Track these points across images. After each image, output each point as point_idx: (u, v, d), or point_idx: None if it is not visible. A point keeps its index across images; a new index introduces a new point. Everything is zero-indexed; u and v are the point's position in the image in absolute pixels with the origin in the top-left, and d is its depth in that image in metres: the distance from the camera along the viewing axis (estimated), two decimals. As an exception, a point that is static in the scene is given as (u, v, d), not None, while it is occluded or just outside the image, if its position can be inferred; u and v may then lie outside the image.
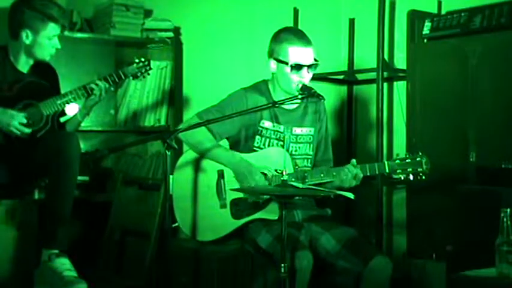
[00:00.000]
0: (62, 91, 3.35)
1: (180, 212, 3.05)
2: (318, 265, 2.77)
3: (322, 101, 3.09)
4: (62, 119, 3.38)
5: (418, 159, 2.84)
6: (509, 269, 2.33)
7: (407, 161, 2.85)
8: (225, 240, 3.00)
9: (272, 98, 3.01)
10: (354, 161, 2.90)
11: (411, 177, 2.84)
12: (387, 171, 2.88)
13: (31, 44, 3.21)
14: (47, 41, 3.21)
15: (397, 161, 2.87)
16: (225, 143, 3.11)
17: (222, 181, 3.00)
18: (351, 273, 2.82)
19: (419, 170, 2.83)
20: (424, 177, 2.84)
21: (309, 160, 3.10)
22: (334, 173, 2.91)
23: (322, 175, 2.91)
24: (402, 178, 2.86)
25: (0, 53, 3.26)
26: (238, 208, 2.96)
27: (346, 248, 2.82)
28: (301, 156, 3.08)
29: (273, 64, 3.02)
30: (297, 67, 2.95)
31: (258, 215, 2.94)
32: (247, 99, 3.00)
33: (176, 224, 3.06)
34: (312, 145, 3.11)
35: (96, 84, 3.23)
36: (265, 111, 3.01)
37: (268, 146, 3.03)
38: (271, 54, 3.02)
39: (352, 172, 2.86)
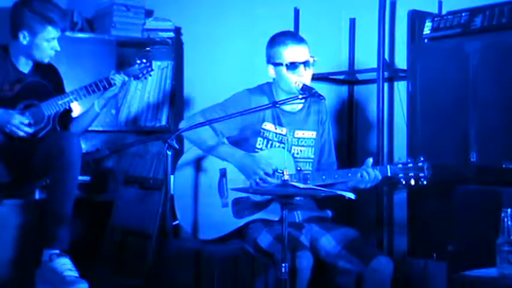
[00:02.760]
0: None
1: (181, 211, 3.06)
2: (318, 265, 2.77)
3: (324, 102, 3.11)
4: (75, 115, 3.39)
5: (420, 164, 2.84)
6: (510, 269, 2.33)
7: (409, 165, 2.86)
8: (226, 240, 3.01)
9: (275, 100, 3.01)
10: (370, 160, 2.88)
11: (412, 182, 2.84)
12: (389, 175, 2.88)
13: (28, 45, 3.20)
14: (45, 43, 3.21)
15: (399, 165, 2.87)
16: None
17: (224, 180, 3.00)
18: (351, 274, 2.82)
19: (421, 175, 2.83)
20: (425, 182, 2.84)
21: (311, 164, 3.10)
22: (336, 175, 2.91)
23: (323, 177, 2.92)
24: (404, 182, 2.86)
25: (2, 52, 3.26)
26: (239, 208, 2.97)
27: (346, 249, 2.82)
28: (303, 160, 3.07)
29: (271, 70, 3.04)
30: (292, 65, 2.96)
31: (259, 215, 2.94)
32: (250, 100, 3.01)
33: (177, 222, 3.07)
34: (313, 149, 3.11)
35: (114, 79, 3.26)
36: (267, 113, 3.02)
37: (270, 148, 3.03)
38: (268, 60, 3.05)
39: (370, 174, 2.85)
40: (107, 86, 3.29)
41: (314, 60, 3.00)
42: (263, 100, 3.01)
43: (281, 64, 2.98)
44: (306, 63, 2.97)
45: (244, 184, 2.98)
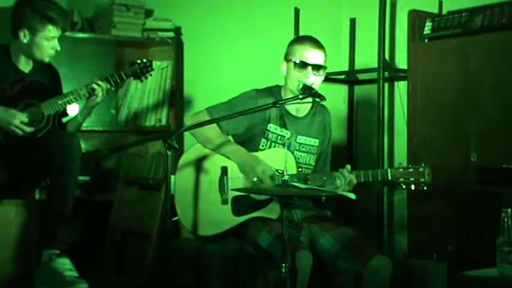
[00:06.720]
0: (64, 91, 3.36)
1: (181, 207, 3.06)
2: (318, 265, 2.77)
3: (329, 112, 3.17)
4: (64, 120, 3.38)
5: (421, 169, 2.85)
6: (510, 269, 2.33)
7: (410, 170, 2.86)
8: (225, 237, 3.01)
9: None
10: (348, 166, 2.90)
11: (412, 186, 2.85)
12: (389, 178, 2.88)
13: (28, 43, 3.20)
14: (45, 42, 3.20)
15: (400, 170, 2.87)
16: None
17: (225, 177, 3.01)
18: (350, 274, 2.81)
19: (421, 180, 2.84)
20: (425, 188, 2.84)
21: (311, 171, 3.10)
22: (325, 178, 2.92)
23: (324, 178, 2.92)
24: (404, 187, 2.86)
25: (3, 52, 3.26)
26: (239, 205, 2.97)
27: (345, 249, 2.83)
28: (304, 165, 3.08)
29: (284, 66, 3.06)
30: (301, 64, 2.98)
31: (258, 214, 2.95)
32: (257, 102, 3.00)
33: (176, 218, 3.07)
34: (315, 156, 3.12)
35: (98, 85, 3.23)
36: (273, 115, 3.04)
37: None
38: (284, 57, 3.08)
39: (346, 178, 2.86)
40: (118, 81, 3.29)
41: (325, 68, 3.02)
42: (270, 101, 3.00)
43: (291, 60, 3.00)
44: (315, 67, 2.98)
45: (244, 182, 2.99)
